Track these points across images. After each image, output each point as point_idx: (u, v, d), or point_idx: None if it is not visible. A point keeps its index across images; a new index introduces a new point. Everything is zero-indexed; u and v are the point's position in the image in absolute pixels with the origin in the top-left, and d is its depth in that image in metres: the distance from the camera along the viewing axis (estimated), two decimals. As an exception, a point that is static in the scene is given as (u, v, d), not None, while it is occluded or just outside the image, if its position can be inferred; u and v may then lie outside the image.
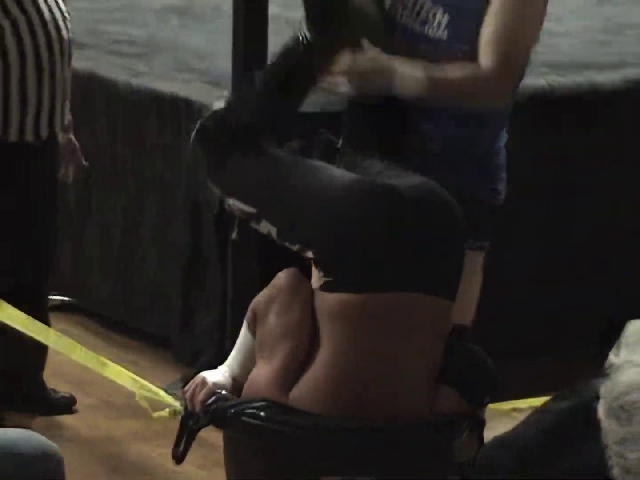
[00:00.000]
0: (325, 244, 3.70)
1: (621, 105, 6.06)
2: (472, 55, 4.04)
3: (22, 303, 4.95)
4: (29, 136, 5.03)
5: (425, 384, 3.73)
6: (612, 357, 2.27)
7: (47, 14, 5.07)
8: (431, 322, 3.71)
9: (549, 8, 7.68)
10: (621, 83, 6.06)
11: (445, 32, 4.11)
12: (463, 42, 4.07)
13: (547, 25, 7.20)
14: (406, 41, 4.17)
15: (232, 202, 3.84)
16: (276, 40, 5.19)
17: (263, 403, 3.58)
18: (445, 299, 3.73)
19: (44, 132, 5.07)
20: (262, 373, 3.73)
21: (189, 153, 5.31)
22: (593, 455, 2.34)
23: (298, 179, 3.81)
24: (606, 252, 6.12)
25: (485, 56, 4.05)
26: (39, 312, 5.12)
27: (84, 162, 5.39)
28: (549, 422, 3.00)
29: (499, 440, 3.20)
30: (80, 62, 6.03)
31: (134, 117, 5.97)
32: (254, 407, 3.57)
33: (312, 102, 5.36)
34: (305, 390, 3.62)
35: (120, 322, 6.13)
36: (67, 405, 5.41)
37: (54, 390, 5.41)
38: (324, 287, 3.66)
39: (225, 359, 4.07)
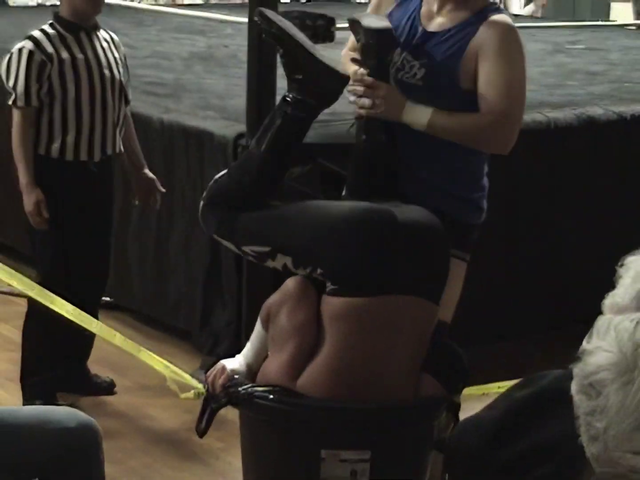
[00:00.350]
0: (334, 261, 3.86)
1: (571, 138, 6.12)
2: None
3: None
4: (83, 156, 5.11)
5: (411, 373, 3.90)
6: (585, 344, 2.21)
7: (102, 57, 5.13)
8: (419, 320, 3.92)
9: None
10: (572, 119, 6.13)
11: (420, 81, 4.24)
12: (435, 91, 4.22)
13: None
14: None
15: (247, 249, 3.99)
16: (282, 84, 5.63)
17: (273, 388, 3.70)
18: (431, 302, 3.96)
19: (97, 155, 5.15)
20: (274, 364, 3.89)
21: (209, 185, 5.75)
22: (558, 430, 2.37)
23: (303, 214, 4.05)
24: (574, 254, 6.13)
25: (496, 105, 4.16)
26: (93, 311, 5.21)
27: (162, 189, 5.47)
28: (509, 405, 3.03)
29: (467, 421, 3.30)
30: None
31: (165, 148, 5.96)
32: (265, 391, 3.70)
33: (312, 134, 5.82)
34: (310, 379, 3.79)
35: (153, 318, 6.18)
36: (108, 388, 5.53)
37: (97, 375, 5.53)
38: (331, 293, 3.86)
39: (238, 350, 4.27)
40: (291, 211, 4.08)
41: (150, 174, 5.46)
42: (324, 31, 5.64)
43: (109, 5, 10.70)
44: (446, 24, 4.34)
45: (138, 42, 8.39)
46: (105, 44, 5.24)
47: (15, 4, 12.26)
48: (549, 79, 7.41)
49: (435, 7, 4.39)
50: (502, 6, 14.39)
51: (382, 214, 3.96)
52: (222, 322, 5.75)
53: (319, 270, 3.91)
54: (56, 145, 5.12)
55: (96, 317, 5.21)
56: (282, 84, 5.47)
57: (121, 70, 5.30)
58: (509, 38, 4.34)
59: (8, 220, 6.76)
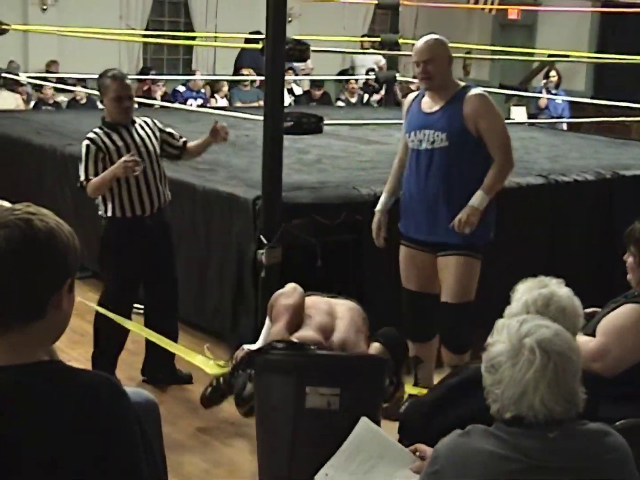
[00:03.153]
0: None
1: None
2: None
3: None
4: (138, 211, 5.05)
5: (364, 340, 4.09)
6: (489, 339, 2.36)
7: (138, 140, 5.09)
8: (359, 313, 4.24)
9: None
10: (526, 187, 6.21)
11: (446, 142, 4.64)
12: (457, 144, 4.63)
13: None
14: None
15: None
16: (287, 160, 5.73)
17: (278, 342, 3.73)
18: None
19: (148, 209, 5.07)
20: (273, 330, 3.96)
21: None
22: (476, 405, 2.42)
23: None
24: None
25: (497, 157, 4.61)
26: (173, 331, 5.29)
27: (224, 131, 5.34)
28: (442, 390, 3.24)
29: (416, 400, 3.54)
30: (173, 173, 6.06)
31: (204, 206, 5.92)
32: (270, 346, 3.71)
33: (308, 196, 5.67)
34: (302, 334, 3.90)
35: (195, 323, 6.01)
36: (188, 379, 5.39)
37: (180, 370, 5.42)
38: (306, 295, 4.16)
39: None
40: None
41: (212, 129, 5.38)
42: (315, 125, 5.70)
43: (168, 108, 10.79)
44: (437, 107, 4.70)
45: (187, 133, 8.32)
46: (140, 130, 5.19)
47: (102, 107, 12.19)
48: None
49: (428, 98, 4.75)
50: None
51: None
52: (246, 327, 5.63)
53: None
54: (117, 208, 5.08)
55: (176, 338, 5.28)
56: (287, 161, 5.65)
57: (155, 142, 5.21)
58: (489, 103, 4.66)
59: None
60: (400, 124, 9.20)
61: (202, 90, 13.60)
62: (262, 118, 5.54)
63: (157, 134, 5.27)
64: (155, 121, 5.35)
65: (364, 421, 3.07)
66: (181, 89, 13.46)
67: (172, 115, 9.67)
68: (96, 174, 5.01)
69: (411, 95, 5.01)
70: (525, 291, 3.01)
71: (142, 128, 5.22)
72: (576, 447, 2.23)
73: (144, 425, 2.73)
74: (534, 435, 2.22)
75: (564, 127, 11.92)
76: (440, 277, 4.77)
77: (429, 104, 4.77)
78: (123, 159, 4.92)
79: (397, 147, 7.89)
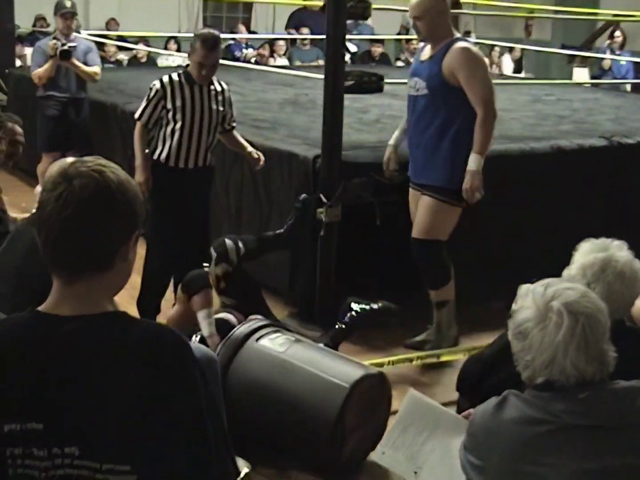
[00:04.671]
0: None
1: (545, 162, 6.07)
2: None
3: None
4: (181, 164, 5.16)
5: None
6: (513, 305, 2.34)
7: (206, 103, 5.17)
8: None
9: (509, 104, 8.00)
10: (547, 149, 6.13)
11: (426, 89, 4.81)
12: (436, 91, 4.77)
13: (502, 114, 7.51)
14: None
15: None
16: (347, 120, 5.70)
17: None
18: None
19: (191, 164, 5.17)
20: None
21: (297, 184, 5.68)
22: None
23: None
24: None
25: (478, 110, 4.69)
26: None
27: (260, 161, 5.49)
28: (499, 345, 3.20)
29: (474, 356, 3.56)
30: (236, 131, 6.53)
31: (266, 165, 5.67)
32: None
33: (367, 155, 5.70)
34: None
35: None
36: None
37: None
38: None
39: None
40: None
41: (252, 151, 5.51)
42: (376, 85, 5.67)
43: (227, 66, 10.80)
44: (427, 56, 4.86)
45: (246, 91, 8.42)
46: (213, 94, 5.26)
47: (162, 65, 12.27)
48: (530, 120, 7.33)
49: (428, 47, 4.89)
50: (496, 70, 14.41)
51: None
52: (304, 285, 5.62)
53: None
54: (164, 153, 5.20)
55: None
56: (347, 120, 5.62)
57: (221, 108, 5.30)
58: (470, 55, 4.74)
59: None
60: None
61: (251, 44, 13.65)
62: (322, 77, 5.52)
63: (224, 107, 5.35)
64: (228, 93, 5.43)
65: (412, 394, 3.07)
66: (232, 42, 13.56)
67: (231, 73, 9.68)
68: (149, 120, 5.20)
69: (422, 44, 5.15)
70: (583, 254, 2.92)
71: (216, 94, 5.29)
72: (606, 406, 2.23)
73: (208, 379, 2.81)
74: (564, 397, 2.22)
75: (628, 88, 11.73)
76: (417, 214, 4.98)
77: (425, 53, 4.94)
78: (143, 180, 5.12)
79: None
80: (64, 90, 7.59)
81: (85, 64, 7.51)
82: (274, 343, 4.01)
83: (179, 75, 5.22)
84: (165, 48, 12.53)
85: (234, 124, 5.51)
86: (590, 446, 2.19)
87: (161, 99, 5.16)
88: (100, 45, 12.05)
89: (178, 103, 5.15)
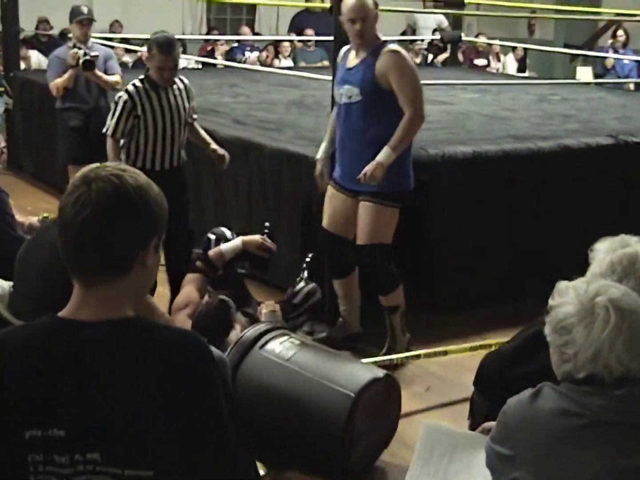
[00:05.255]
0: None
1: (553, 161, 6.07)
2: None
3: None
4: (157, 167, 5.34)
5: None
6: (550, 301, 2.36)
7: (172, 103, 5.33)
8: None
9: (514, 104, 7.99)
10: (553, 147, 6.11)
11: (359, 96, 4.79)
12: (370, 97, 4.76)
13: (507, 114, 7.55)
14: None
15: None
16: None
17: None
18: None
19: (167, 164, 5.37)
20: None
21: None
22: (544, 360, 2.41)
23: None
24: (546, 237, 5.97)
25: (406, 111, 4.69)
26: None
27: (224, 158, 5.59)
28: (519, 341, 3.22)
29: (494, 351, 3.59)
30: (240, 132, 6.35)
31: (273, 166, 5.90)
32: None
33: None
34: None
35: (267, 281, 5.75)
36: None
37: None
38: None
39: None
40: None
41: (216, 148, 5.62)
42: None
43: (231, 67, 10.80)
44: (356, 62, 4.85)
45: (251, 93, 8.42)
46: (177, 93, 5.41)
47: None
48: (537, 119, 7.32)
49: (354, 53, 4.89)
50: (500, 69, 14.40)
51: None
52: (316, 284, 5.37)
53: None
54: (140, 159, 5.35)
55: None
56: None
57: (187, 105, 5.46)
58: (401, 59, 4.77)
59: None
60: (466, 84, 9.29)
61: (255, 45, 13.66)
62: (329, 78, 5.50)
63: (189, 103, 5.51)
64: (190, 88, 5.56)
65: (425, 425, 3.10)
66: (236, 45, 13.57)
67: (236, 75, 9.70)
68: (123, 134, 5.31)
69: (342, 50, 5.14)
70: (608, 251, 2.95)
71: (180, 92, 5.45)
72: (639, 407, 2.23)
73: (229, 384, 2.76)
74: (601, 392, 2.22)
75: (632, 87, 11.72)
76: (358, 222, 4.97)
77: (351, 59, 4.93)
78: None
79: (463, 107, 7.97)
80: (84, 100, 7.34)
81: (105, 72, 7.26)
82: (280, 348, 4.00)
83: (141, 81, 5.36)
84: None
85: (195, 117, 5.62)
86: (625, 443, 2.20)
87: (131, 109, 5.28)
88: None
89: (148, 109, 5.29)
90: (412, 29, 14.77)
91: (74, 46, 7.12)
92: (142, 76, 5.40)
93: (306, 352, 4.01)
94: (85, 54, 6.98)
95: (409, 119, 4.72)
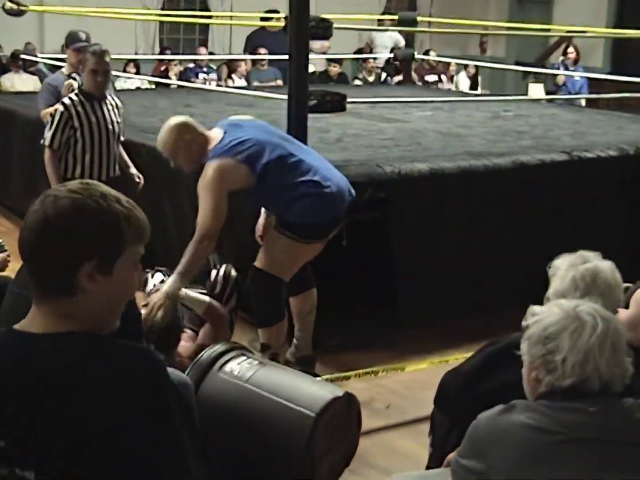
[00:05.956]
0: None
1: (509, 178, 6.13)
2: None
3: None
4: (95, 177, 5.61)
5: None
6: (525, 322, 2.37)
7: (107, 116, 5.82)
8: None
9: (468, 121, 8.06)
10: (509, 164, 6.16)
11: None
12: None
13: (462, 130, 7.60)
14: None
15: None
16: (310, 140, 5.81)
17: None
18: None
19: (104, 175, 5.76)
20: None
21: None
22: (512, 376, 2.44)
23: None
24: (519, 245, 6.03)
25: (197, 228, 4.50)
26: None
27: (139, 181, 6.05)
28: (480, 359, 3.19)
29: (454, 369, 3.43)
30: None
31: None
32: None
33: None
34: None
35: None
36: None
37: None
38: None
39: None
40: None
41: (135, 173, 6.08)
42: (339, 104, 5.69)
43: (186, 87, 10.78)
44: None
45: (207, 112, 8.37)
46: (110, 108, 5.88)
47: (120, 88, 12.15)
48: (491, 136, 7.38)
49: None
50: (452, 86, 14.49)
51: None
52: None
53: None
54: (79, 169, 5.75)
55: None
56: (309, 140, 5.52)
57: (119, 120, 5.93)
58: (205, 179, 4.52)
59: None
60: (420, 102, 9.33)
61: (211, 66, 13.63)
62: (284, 97, 5.52)
63: (121, 119, 5.97)
64: (121, 107, 6.03)
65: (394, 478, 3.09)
66: (191, 65, 13.53)
67: (190, 95, 9.67)
68: (60, 144, 5.70)
69: None
70: (569, 267, 2.98)
71: (113, 108, 5.90)
72: (616, 423, 2.24)
73: (192, 406, 2.76)
74: (577, 409, 2.22)
75: (583, 103, 11.86)
76: None
77: None
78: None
79: (418, 124, 8.00)
80: None
81: None
82: (239, 368, 3.93)
83: (76, 95, 5.81)
84: (124, 71, 12.46)
85: (122, 138, 6.07)
86: (606, 460, 2.20)
87: (68, 119, 5.68)
88: (58, 69, 12.00)
89: (84, 120, 5.71)
90: (370, 48, 14.84)
91: (69, 75, 6.80)
92: (76, 90, 5.88)
93: (265, 372, 3.94)
94: (79, 87, 6.52)
95: (193, 246, 4.51)
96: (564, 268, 3.00)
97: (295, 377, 4.05)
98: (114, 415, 1.70)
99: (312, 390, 3.85)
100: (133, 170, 6.03)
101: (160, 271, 4.89)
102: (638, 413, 2.28)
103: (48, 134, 5.69)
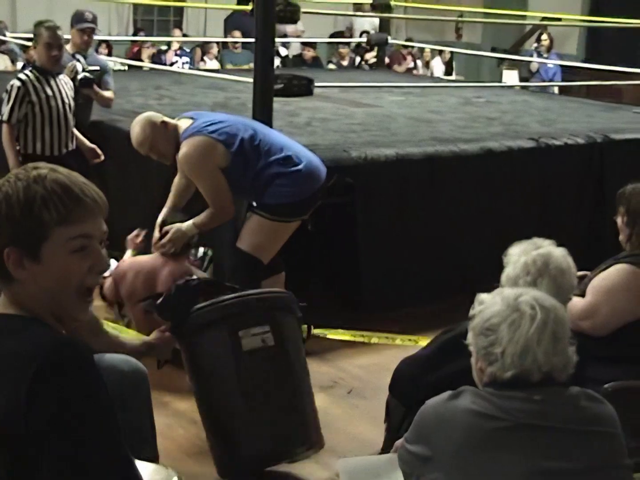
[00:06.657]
0: None
1: (475, 164, 6.11)
2: None
3: None
4: (56, 152, 5.80)
5: None
6: (472, 311, 2.38)
7: (63, 91, 5.88)
8: None
9: (439, 106, 8.04)
10: (475, 150, 6.15)
11: None
12: None
13: (432, 116, 7.60)
14: None
15: None
16: (278, 124, 5.74)
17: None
18: None
19: (63, 150, 5.86)
20: None
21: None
22: (464, 364, 2.42)
23: None
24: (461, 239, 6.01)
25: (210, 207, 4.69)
26: None
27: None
28: (436, 346, 3.24)
29: (407, 358, 3.47)
30: None
31: None
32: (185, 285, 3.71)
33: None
34: None
35: None
36: None
37: None
38: None
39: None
40: None
41: (88, 144, 6.15)
42: (306, 88, 5.67)
43: (157, 70, 10.71)
44: None
45: (177, 95, 8.34)
46: (63, 82, 5.94)
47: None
48: (461, 122, 7.36)
49: None
50: (427, 71, 14.48)
51: None
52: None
53: None
54: (39, 145, 5.80)
55: None
56: (277, 123, 5.57)
57: (71, 97, 5.99)
58: (189, 163, 4.64)
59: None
60: (392, 86, 9.32)
61: (185, 49, 13.56)
62: (251, 80, 5.48)
63: (72, 92, 6.02)
64: (71, 85, 6.10)
65: (340, 463, 3.04)
66: (164, 47, 13.47)
67: (162, 77, 9.62)
68: (18, 119, 5.73)
69: None
70: (522, 253, 3.02)
71: (65, 84, 5.95)
72: (560, 411, 2.24)
73: (130, 390, 2.82)
74: (522, 396, 2.23)
75: (556, 91, 11.87)
76: None
77: None
78: None
79: (388, 109, 7.99)
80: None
81: (99, 86, 6.57)
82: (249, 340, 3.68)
83: (30, 71, 5.84)
84: (97, 52, 12.35)
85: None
86: (550, 447, 2.20)
87: (25, 94, 5.72)
88: (27, 49, 11.88)
89: (42, 95, 5.74)
90: (350, 32, 14.81)
91: (73, 56, 6.55)
92: (30, 67, 5.92)
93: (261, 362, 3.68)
94: (84, 70, 6.43)
95: (212, 212, 4.74)
96: (517, 254, 3.04)
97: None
98: (33, 412, 1.65)
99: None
100: (89, 144, 6.11)
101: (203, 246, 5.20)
102: (584, 401, 2.28)
103: (6, 109, 5.72)
